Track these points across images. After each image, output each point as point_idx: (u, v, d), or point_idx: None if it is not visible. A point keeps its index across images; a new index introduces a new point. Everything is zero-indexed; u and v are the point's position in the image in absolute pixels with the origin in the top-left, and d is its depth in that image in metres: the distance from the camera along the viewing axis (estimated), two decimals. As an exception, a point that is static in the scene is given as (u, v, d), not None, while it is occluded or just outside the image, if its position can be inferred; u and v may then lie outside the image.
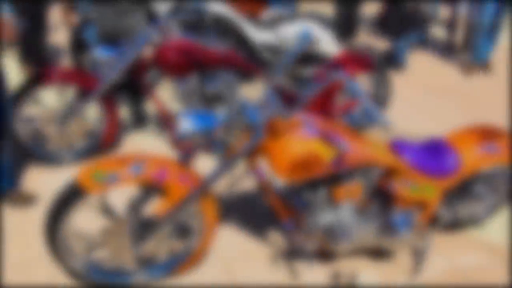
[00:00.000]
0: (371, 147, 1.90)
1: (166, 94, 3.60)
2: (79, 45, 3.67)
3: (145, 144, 3.12)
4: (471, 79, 4.53)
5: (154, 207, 1.82)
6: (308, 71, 4.09)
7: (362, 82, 3.26)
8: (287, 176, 1.73)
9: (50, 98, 2.82)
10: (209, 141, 1.72)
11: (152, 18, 3.36)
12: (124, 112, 3.22)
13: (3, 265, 2.09)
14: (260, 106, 1.74)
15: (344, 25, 5.13)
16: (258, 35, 3.94)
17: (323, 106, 3.13)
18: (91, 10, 3.56)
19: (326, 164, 1.74)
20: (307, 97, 3.03)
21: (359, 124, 3.31)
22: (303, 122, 1.77)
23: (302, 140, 1.72)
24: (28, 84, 2.51)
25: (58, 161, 2.76)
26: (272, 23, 4.04)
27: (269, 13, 4.31)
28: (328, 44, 4.02)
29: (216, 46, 2.75)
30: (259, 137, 1.70)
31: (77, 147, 2.81)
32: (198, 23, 3.63)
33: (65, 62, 4.48)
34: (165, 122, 2.88)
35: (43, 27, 4.03)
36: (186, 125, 1.68)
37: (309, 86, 3.15)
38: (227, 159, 1.76)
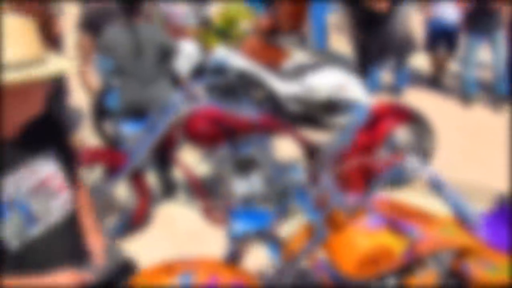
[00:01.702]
0: (441, 226, 1.67)
1: (192, 157, 3.45)
2: (101, 113, 3.59)
3: (176, 214, 2.94)
4: (499, 115, 4.30)
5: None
6: (337, 120, 3.92)
7: (402, 134, 3.06)
8: (354, 274, 1.51)
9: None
10: (264, 241, 1.52)
11: (176, 82, 3.27)
12: (152, 179, 3.07)
13: None
14: (317, 198, 1.54)
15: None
16: (284, 87, 3.81)
17: (366, 167, 2.92)
18: (112, 77, 3.50)
19: (398, 256, 1.52)
20: (342, 152, 2.84)
21: (403, 180, 3.08)
22: (366, 210, 1.57)
23: (368, 233, 1.51)
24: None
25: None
26: (297, 73, 3.91)
27: (290, 61, 4.20)
28: (356, 90, 3.87)
29: (248, 111, 2.60)
30: (320, 238, 1.50)
31: (108, 226, 2.64)
32: (225, 85, 3.52)
33: (85, 128, 4.40)
34: (195, 190, 2.71)
35: (62, 92, 3.99)
36: (240, 226, 1.49)
37: (342, 139, 2.97)
38: (287, 263, 1.54)
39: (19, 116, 1.11)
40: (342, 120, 3.88)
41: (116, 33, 2.82)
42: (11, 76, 1.00)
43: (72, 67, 1.17)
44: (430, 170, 1.57)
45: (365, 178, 2.97)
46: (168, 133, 2.51)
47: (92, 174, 2.54)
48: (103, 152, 2.47)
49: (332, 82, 3.76)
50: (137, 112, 2.75)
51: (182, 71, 3.48)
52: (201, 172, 3.14)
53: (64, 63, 1.14)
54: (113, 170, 2.48)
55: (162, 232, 2.76)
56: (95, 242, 1.35)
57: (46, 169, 1.17)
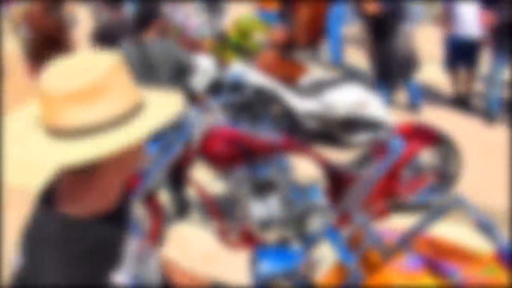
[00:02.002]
0: (483, 265, 1.54)
1: (205, 176, 3.34)
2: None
3: (189, 235, 2.83)
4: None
5: None
6: (356, 138, 3.80)
7: (426, 155, 2.92)
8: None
9: None
10: (292, 282, 1.40)
11: (192, 99, 3.18)
12: (164, 198, 2.97)
13: None
14: (350, 238, 1.42)
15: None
16: (301, 104, 3.71)
17: (387, 186, 2.79)
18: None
19: (439, 301, 1.39)
20: (369, 176, 2.71)
21: (427, 203, 2.94)
22: (404, 250, 1.44)
23: (407, 275, 1.38)
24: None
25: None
26: (314, 89, 3.81)
27: (308, 77, 4.10)
28: (377, 108, 3.75)
29: (267, 133, 2.49)
30: (356, 281, 1.37)
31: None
32: (241, 102, 3.43)
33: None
34: (210, 211, 2.59)
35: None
36: (265, 268, 1.37)
37: (366, 163, 2.84)
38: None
39: (120, 180, 0.86)
40: (360, 138, 3.76)
41: (127, 50, 2.74)
42: (110, 140, 0.75)
43: (179, 105, 0.87)
44: (477, 211, 1.44)
45: (386, 198, 2.84)
46: (183, 153, 2.41)
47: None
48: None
49: (351, 99, 3.65)
50: None
51: (198, 87, 3.40)
52: (215, 192, 3.04)
53: (169, 101, 0.87)
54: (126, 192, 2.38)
55: (176, 253, 2.64)
56: None
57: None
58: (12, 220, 2.68)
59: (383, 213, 2.79)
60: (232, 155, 2.39)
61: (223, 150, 2.37)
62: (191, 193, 3.13)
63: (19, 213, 3.01)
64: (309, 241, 2.53)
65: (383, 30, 4.20)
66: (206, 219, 2.95)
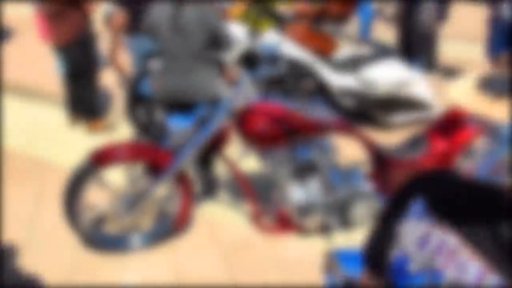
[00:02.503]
0: None
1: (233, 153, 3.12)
2: (134, 99, 3.27)
3: (219, 218, 2.62)
4: None
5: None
6: (397, 119, 3.52)
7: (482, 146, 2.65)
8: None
9: (115, 177, 2.36)
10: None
11: (223, 71, 2.92)
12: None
13: None
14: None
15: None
16: (337, 79, 3.42)
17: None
18: (150, 60, 3.18)
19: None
20: (414, 159, 2.47)
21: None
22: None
23: None
24: (89, 166, 2.07)
25: (126, 248, 2.29)
26: (352, 65, 3.51)
27: (342, 51, 3.80)
28: (424, 88, 3.46)
29: (317, 112, 2.24)
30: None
31: (147, 231, 2.34)
32: (274, 78, 3.15)
33: (115, 111, 4.09)
34: (245, 193, 2.38)
35: (91, 72, 3.69)
36: (350, 270, 1.14)
37: (418, 147, 2.58)
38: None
39: None
40: (400, 119, 3.48)
41: (161, 10, 2.49)
42: None
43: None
44: None
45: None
46: (220, 131, 2.17)
47: (131, 172, 2.23)
48: (146, 148, 2.15)
49: (393, 77, 3.36)
50: (174, 101, 2.42)
51: (229, 59, 3.13)
52: (249, 172, 2.81)
53: None
54: (156, 169, 2.16)
55: (205, 238, 2.45)
56: None
57: None
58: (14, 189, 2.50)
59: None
60: (275, 134, 2.15)
61: (266, 129, 2.13)
62: (219, 172, 2.91)
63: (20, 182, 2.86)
64: (341, 213, 2.32)
65: (410, 6, 4.20)
66: (237, 201, 2.74)
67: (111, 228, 2.28)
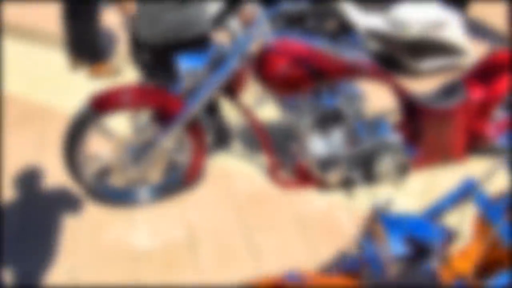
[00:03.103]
0: None
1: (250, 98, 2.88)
2: (139, 42, 2.98)
3: (232, 170, 2.44)
4: None
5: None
6: (427, 65, 3.21)
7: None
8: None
9: (119, 125, 2.15)
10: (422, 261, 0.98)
11: (235, 4, 2.59)
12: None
13: None
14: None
15: None
16: (363, 19, 3.08)
17: (476, 126, 2.29)
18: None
19: None
20: (448, 107, 2.21)
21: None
22: None
23: None
24: (89, 112, 1.85)
25: (133, 201, 2.15)
26: (380, 3, 3.14)
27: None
28: (458, 31, 3.10)
29: (348, 52, 1.96)
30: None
31: (155, 183, 2.18)
32: (301, 16, 2.81)
33: (120, 54, 3.82)
34: (262, 142, 2.17)
35: (93, 13, 3.37)
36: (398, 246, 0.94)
37: (450, 93, 2.32)
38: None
39: None
40: (430, 65, 3.17)
41: None
42: None
43: None
44: None
45: (472, 140, 2.37)
46: (235, 74, 1.92)
47: (137, 119, 2.02)
48: (153, 93, 1.91)
49: (426, 17, 3.00)
50: (173, 39, 2.09)
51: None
52: (263, 120, 2.59)
53: None
54: (164, 115, 1.95)
55: (218, 192, 2.29)
56: None
57: None
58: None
59: (462, 155, 2.33)
60: (298, 77, 1.89)
61: (288, 71, 1.87)
62: (233, 120, 2.69)
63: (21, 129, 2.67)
64: (365, 168, 2.13)
65: None
66: (252, 152, 2.55)
67: (116, 180, 2.11)
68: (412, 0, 3.09)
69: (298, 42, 1.93)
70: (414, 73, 3.18)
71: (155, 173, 2.14)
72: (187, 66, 1.87)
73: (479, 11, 4.12)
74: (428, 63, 3.16)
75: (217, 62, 1.88)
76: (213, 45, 1.93)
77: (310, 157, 2.13)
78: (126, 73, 3.56)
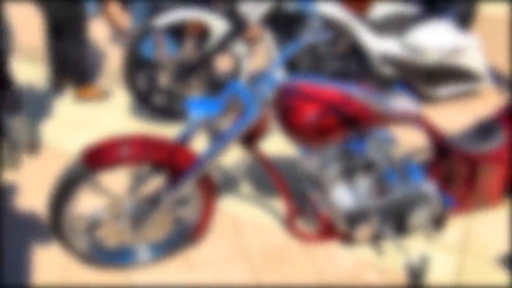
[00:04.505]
0: None
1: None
2: (134, 63, 2.70)
3: (243, 218, 2.17)
4: None
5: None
6: (444, 92, 3.01)
7: None
8: None
9: (115, 181, 1.83)
10: None
11: (240, 30, 2.33)
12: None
13: None
14: None
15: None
16: (377, 43, 2.85)
17: (511, 167, 2.08)
18: (151, 18, 2.57)
19: None
20: (487, 151, 1.99)
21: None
22: None
23: None
24: (81, 169, 1.54)
25: (132, 262, 1.84)
26: (396, 26, 2.92)
27: (378, 10, 3.17)
28: (476, 56, 2.91)
29: (384, 99, 1.70)
30: None
31: (157, 240, 1.88)
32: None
33: (108, 74, 3.49)
34: (278, 188, 1.90)
35: (80, 31, 3.03)
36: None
37: (486, 133, 2.10)
38: None
39: None
40: (447, 91, 2.97)
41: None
42: None
43: None
44: None
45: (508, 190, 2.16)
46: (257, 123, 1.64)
47: (138, 172, 1.71)
48: (158, 145, 1.61)
49: (444, 43, 2.80)
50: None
51: (251, 15, 2.51)
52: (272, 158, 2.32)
53: None
54: (171, 169, 1.65)
55: (229, 247, 2.00)
56: None
57: None
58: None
59: (499, 200, 2.12)
60: (331, 126, 1.63)
61: (320, 119, 1.60)
62: (241, 160, 2.42)
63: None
64: (400, 220, 1.88)
65: None
66: (264, 197, 2.28)
67: (112, 240, 1.80)
68: (427, 24, 2.88)
69: (326, 87, 1.66)
70: (430, 100, 2.98)
71: (157, 231, 1.84)
72: (198, 113, 1.58)
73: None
74: (445, 89, 2.96)
75: (234, 110, 1.60)
76: (226, 89, 1.65)
77: (336, 209, 1.87)
78: (116, 96, 3.24)
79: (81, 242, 1.73)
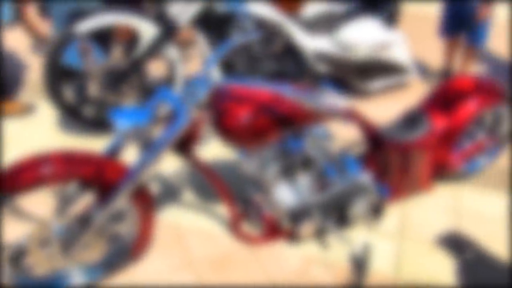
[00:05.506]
0: None
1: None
2: (58, 72, 2.52)
3: (186, 226, 2.10)
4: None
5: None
6: (374, 86, 3.13)
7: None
8: None
9: (39, 203, 1.67)
10: None
11: (171, 32, 2.25)
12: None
13: None
14: None
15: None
16: (311, 42, 2.90)
17: (440, 156, 2.21)
18: (73, 23, 2.42)
19: None
20: (414, 140, 2.10)
21: (478, 171, 2.44)
22: None
23: None
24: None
25: (66, 287, 1.70)
26: (326, 25, 3.00)
27: (310, 9, 3.24)
28: (400, 50, 3.07)
29: (316, 96, 1.71)
30: None
31: (92, 262, 1.75)
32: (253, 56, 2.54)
33: (30, 87, 3.25)
34: (219, 193, 1.85)
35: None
36: None
37: (413, 123, 2.21)
38: None
39: None
40: (377, 85, 3.10)
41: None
42: None
43: None
44: None
45: (437, 170, 2.29)
46: (188, 129, 1.58)
47: (63, 190, 1.58)
48: (84, 160, 1.50)
49: (372, 39, 2.91)
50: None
51: (180, 18, 2.44)
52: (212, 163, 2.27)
53: None
54: (99, 183, 1.54)
55: (173, 258, 1.92)
56: None
57: None
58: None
59: (429, 185, 2.24)
60: (265, 126, 1.61)
61: (254, 121, 1.57)
62: (180, 167, 2.34)
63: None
64: (341, 212, 1.91)
65: None
66: (206, 204, 2.22)
67: (42, 266, 1.65)
68: (356, 22, 2.99)
69: (258, 88, 1.65)
70: (363, 94, 3.09)
71: (92, 251, 1.72)
72: (125, 123, 1.49)
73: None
74: (376, 83, 3.09)
75: (164, 117, 1.53)
76: (155, 95, 1.57)
77: (279, 208, 1.87)
78: (41, 110, 3.01)
79: (5, 274, 1.57)
